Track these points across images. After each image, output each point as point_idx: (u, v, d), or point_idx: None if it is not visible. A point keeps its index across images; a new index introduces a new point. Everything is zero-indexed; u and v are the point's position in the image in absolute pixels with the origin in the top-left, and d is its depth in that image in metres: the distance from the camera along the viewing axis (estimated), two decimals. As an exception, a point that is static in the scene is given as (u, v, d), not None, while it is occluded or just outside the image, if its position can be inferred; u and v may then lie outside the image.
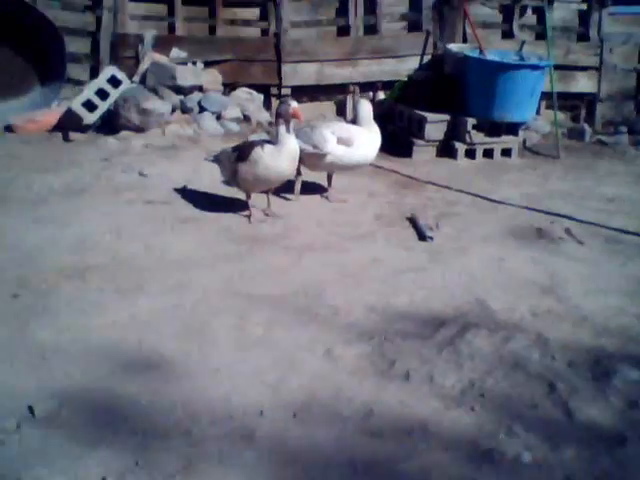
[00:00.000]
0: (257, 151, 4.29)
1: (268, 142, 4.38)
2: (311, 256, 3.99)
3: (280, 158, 4.26)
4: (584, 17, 7.47)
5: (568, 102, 7.35)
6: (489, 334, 3.09)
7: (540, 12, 7.13)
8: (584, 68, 7.37)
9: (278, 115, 4.29)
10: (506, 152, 6.29)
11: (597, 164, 6.22)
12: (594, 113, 7.39)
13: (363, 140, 4.77)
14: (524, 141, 6.62)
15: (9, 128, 6.22)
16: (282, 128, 4.25)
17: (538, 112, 7.09)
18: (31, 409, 2.45)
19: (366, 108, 4.86)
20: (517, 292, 3.58)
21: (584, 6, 7.44)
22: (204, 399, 2.55)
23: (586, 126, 7.12)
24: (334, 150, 4.72)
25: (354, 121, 5.00)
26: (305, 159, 4.76)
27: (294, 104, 4.30)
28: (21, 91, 6.76)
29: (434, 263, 3.95)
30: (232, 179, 4.51)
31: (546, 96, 6.82)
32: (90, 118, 6.18)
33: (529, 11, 7.43)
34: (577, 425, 2.47)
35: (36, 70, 6.79)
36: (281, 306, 3.35)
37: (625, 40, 7.43)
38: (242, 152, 4.38)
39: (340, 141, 4.73)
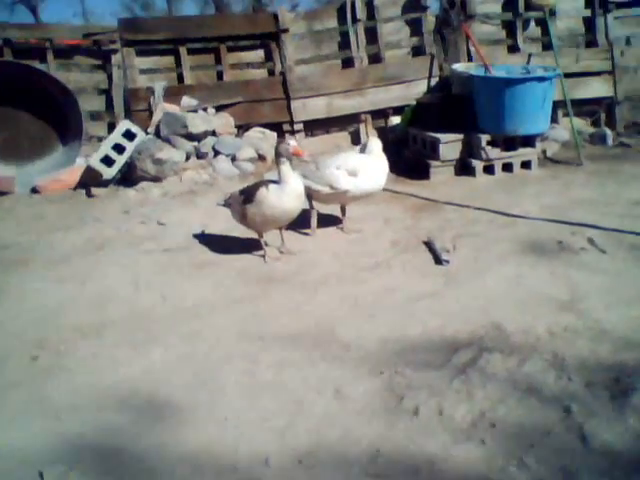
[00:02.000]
0: (262, 192, 4.31)
1: (273, 182, 4.38)
2: (325, 291, 3.96)
3: (284, 197, 4.27)
4: (589, 23, 7.39)
5: (586, 108, 7.25)
6: (503, 358, 3.00)
7: (544, 23, 7.07)
8: (597, 73, 7.26)
9: (278, 155, 4.29)
10: (526, 164, 6.19)
11: (621, 168, 6.05)
12: (614, 116, 7.25)
13: (369, 168, 4.72)
14: (544, 151, 6.52)
15: (35, 190, 6.44)
16: (284, 167, 4.26)
17: (556, 121, 7.02)
18: (41, 475, 2.46)
19: (378, 145, 4.83)
20: (534, 311, 3.47)
21: (588, 12, 7.36)
22: (210, 451, 2.52)
23: (607, 130, 6.98)
24: (349, 185, 4.69)
25: (362, 152, 4.92)
26: (315, 196, 4.78)
27: (293, 142, 4.35)
28: (45, 152, 7.03)
29: (450, 287, 3.88)
30: (242, 221, 4.53)
31: (562, 104, 6.72)
32: (109, 173, 6.35)
33: (532, 24, 7.40)
34: (592, 452, 2.34)
35: (57, 131, 7.03)
36: (292, 346, 3.31)
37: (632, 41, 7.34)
38: (248, 194, 4.41)
39: (348, 173, 4.72)
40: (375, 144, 4.84)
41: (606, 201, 5.18)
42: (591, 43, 7.45)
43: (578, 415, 2.54)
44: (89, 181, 6.36)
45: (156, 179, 6.19)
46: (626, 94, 7.30)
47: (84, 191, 6.37)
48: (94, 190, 6.24)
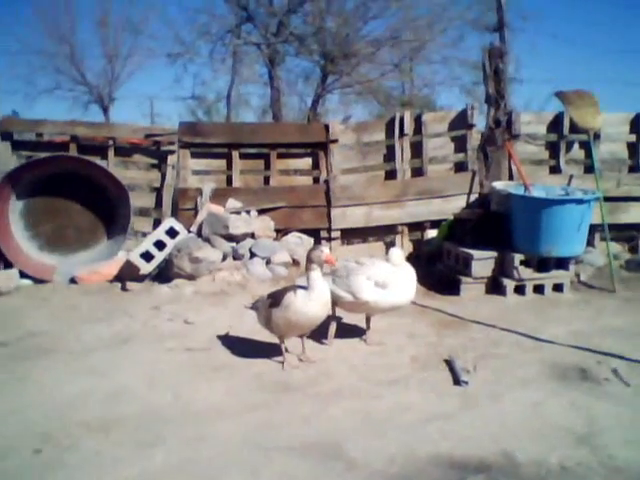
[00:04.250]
0: (289, 296, 4.35)
1: (301, 287, 4.42)
2: (338, 404, 3.90)
3: (311, 303, 4.29)
4: (633, 149, 7.45)
5: (624, 233, 7.20)
6: (509, 492, 2.88)
7: (587, 146, 7.16)
8: (637, 199, 7.25)
9: (310, 261, 4.33)
10: (558, 287, 6.12)
11: (655, 297, 5.93)
12: (652, 243, 7.18)
13: (399, 282, 4.72)
14: (578, 275, 6.44)
15: (73, 280, 6.64)
16: (313, 273, 4.30)
17: (593, 244, 6.97)
18: None
19: (396, 255, 4.83)
20: (549, 442, 3.34)
21: (632, 138, 7.43)
22: None
23: (644, 257, 6.89)
24: (372, 297, 4.71)
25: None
26: (341, 304, 4.80)
27: (326, 250, 4.39)
28: (89, 244, 7.28)
29: (465, 410, 3.78)
30: (267, 324, 4.55)
31: (600, 228, 6.70)
32: (147, 268, 6.52)
33: (576, 146, 7.50)
34: None
35: (104, 224, 7.31)
36: (297, 459, 3.24)
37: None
38: (275, 298, 4.46)
39: (376, 285, 4.70)
40: (395, 255, 4.81)
41: (636, 331, 5.06)
42: (633, 168, 7.50)
43: None
44: (126, 275, 6.54)
45: (191, 277, 6.33)
46: (667, 222, 7.24)
47: (120, 284, 6.54)
48: (129, 284, 6.40)
